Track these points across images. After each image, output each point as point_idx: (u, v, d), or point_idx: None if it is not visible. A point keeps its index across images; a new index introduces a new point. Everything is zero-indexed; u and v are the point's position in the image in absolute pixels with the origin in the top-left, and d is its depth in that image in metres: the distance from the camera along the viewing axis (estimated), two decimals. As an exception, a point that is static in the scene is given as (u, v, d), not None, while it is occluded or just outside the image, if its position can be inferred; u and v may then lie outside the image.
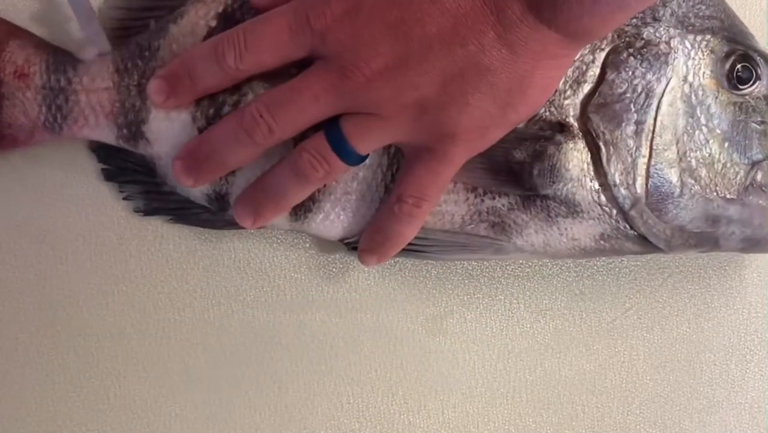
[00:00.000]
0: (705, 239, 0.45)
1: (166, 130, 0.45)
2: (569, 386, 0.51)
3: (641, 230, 0.45)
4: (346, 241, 0.47)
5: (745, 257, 0.51)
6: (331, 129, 0.42)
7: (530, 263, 0.50)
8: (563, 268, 0.50)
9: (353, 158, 0.42)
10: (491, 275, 0.50)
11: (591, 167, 0.44)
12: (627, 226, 0.45)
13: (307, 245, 0.49)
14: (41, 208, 0.48)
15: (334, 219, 0.46)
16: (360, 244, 0.46)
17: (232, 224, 0.46)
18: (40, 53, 0.45)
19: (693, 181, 0.44)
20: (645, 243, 0.46)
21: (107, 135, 0.46)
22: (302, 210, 0.45)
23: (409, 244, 0.45)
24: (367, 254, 0.45)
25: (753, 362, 0.51)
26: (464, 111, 0.41)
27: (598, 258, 0.50)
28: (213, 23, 0.45)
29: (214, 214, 0.47)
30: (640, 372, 0.51)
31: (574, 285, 0.50)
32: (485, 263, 0.50)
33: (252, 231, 0.49)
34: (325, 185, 0.45)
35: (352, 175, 0.45)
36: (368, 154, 0.43)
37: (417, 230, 0.44)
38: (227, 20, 0.45)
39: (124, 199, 0.48)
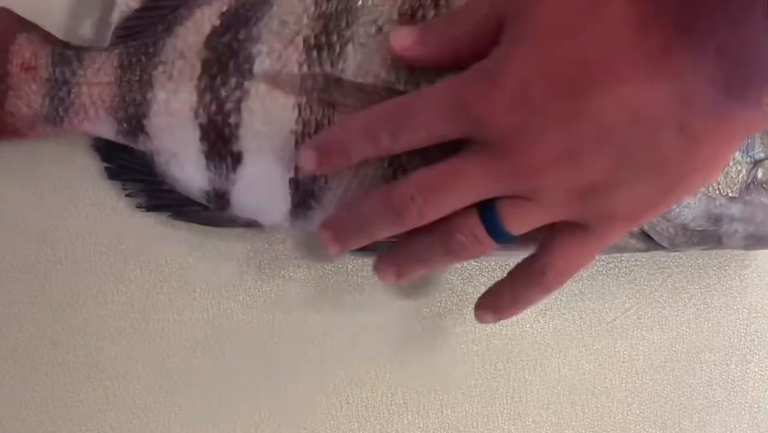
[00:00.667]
0: (708, 236, 0.45)
1: (167, 124, 0.45)
2: (569, 386, 0.51)
3: (644, 228, 0.45)
4: None
5: (745, 257, 0.51)
6: (486, 212, 0.40)
7: (530, 263, 0.50)
8: (563, 268, 0.50)
9: (507, 240, 0.41)
10: (491, 275, 0.50)
11: None
12: None
13: (307, 245, 0.49)
14: (41, 208, 0.48)
15: None
16: (481, 300, 0.45)
17: (232, 222, 0.46)
18: (46, 46, 0.45)
19: None
20: (649, 240, 0.45)
21: (107, 129, 0.46)
22: (303, 208, 0.45)
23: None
24: (489, 313, 0.45)
25: (753, 362, 0.51)
26: (630, 197, 0.39)
27: (600, 255, 0.50)
28: (217, 22, 0.45)
29: (213, 212, 0.47)
30: (640, 372, 0.51)
31: (574, 285, 0.50)
32: (485, 262, 0.50)
33: (252, 231, 0.49)
34: (326, 181, 0.44)
35: (353, 173, 0.45)
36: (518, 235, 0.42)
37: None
38: (231, 18, 0.45)
39: (126, 196, 0.48)
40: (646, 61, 0.36)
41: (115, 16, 0.46)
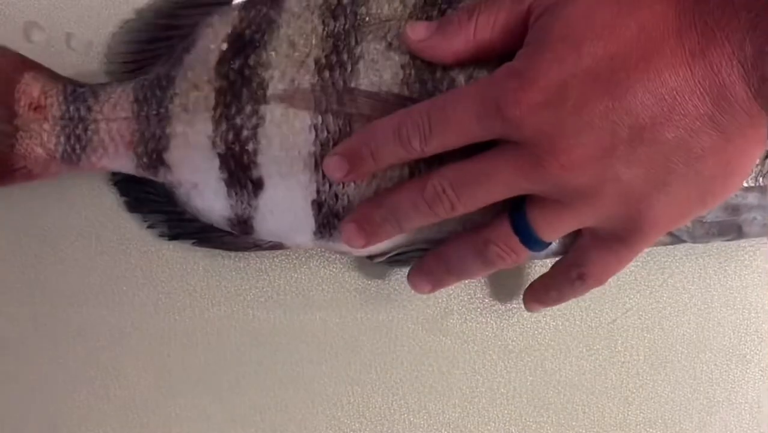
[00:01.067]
0: (727, 227, 0.45)
1: (186, 156, 0.45)
2: (569, 386, 0.51)
3: None
4: (372, 256, 0.46)
5: (744, 257, 0.51)
6: (518, 220, 0.41)
7: (530, 263, 0.50)
8: (563, 268, 0.50)
9: (540, 246, 0.42)
10: (491, 275, 0.50)
11: None
12: None
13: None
14: (41, 209, 0.48)
15: None
16: (529, 292, 0.47)
17: (257, 246, 0.46)
18: (56, 84, 0.45)
19: None
20: (672, 234, 0.45)
21: (127, 165, 0.46)
22: (327, 227, 0.45)
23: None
24: (537, 305, 0.47)
25: (753, 362, 0.51)
26: (665, 201, 0.39)
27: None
28: (224, 46, 0.45)
29: (236, 237, 0.47)
30: (640, 372, 0.51)
31: (574, 285, 0.50)
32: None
33: (252, 231, 0.49)
34: (349, 200, 0.44)
35: (374, 188, 0.44)
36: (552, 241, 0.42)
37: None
38: (237, 41, 0.45)
39: (147, 227, 0.48)
40: (684, 58, 0.36)
41: None
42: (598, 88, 0.37)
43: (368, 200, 0.44)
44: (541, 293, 0.46)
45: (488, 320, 0.50)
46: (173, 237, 0.47)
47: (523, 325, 0.50)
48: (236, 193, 0.45)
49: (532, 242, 0.41)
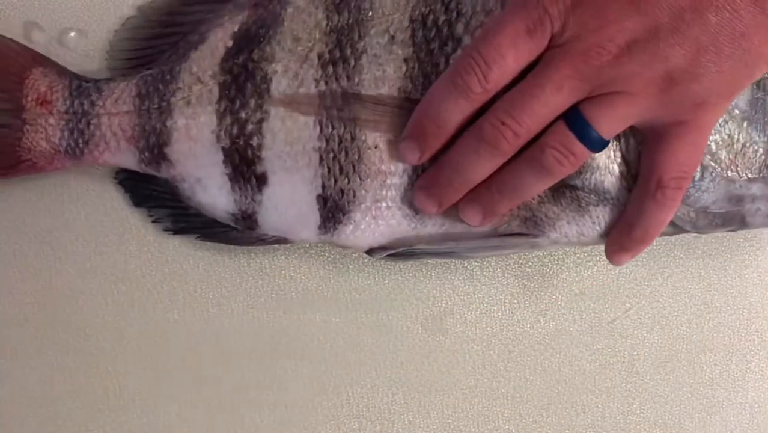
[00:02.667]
0: (731, 217, 0.45)
1: (189, 150, 0.45)
2: (569, 386, 0.51)
3: None
4: (373, 250, 0.46)
5: (745, 257, 0.51)
6: (572, 118, 0.40)
7: (530, 263, 0.50)
8: (563, 268, 0.50)
9: (598, 144, 0.41)
10: (491, 275, 0.50)
11: (616, 154, 0.44)
12: None
13: (307, 245, 0.49)
14: (41, 208, 0.48)
15: (364, 229, 0.45)
16: (610, 245, 0.45)
17: (261, 241, 0.46)
18: (62, 79, 0.46)
19: (713, 164, 0.44)
20: (675, 225, 0.45)
21: (129, 159, 0.46)
22: (332, 222, 0.45)
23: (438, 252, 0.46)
24: (624, 253, 0.44)
25: (753, 362, 0.51)
26: (716, 78, 0.39)
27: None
28: (229, 43, 0.45)
29: (241, 232, 0.47)
30: (640, 372, 0.51)
31: (574, 285, 0.50)
32: (485, 262, 0.50)
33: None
34: (354, 195, 0.45)
35: (380, 183, 0.44)
36: (609, 140, 0.42)
37: (674, 212, 0.43)
38: (242, 37, 0.45)
39: (153, 222, 0.48)
40: None
41: None
42: None
43: (432, 167, 0.43)
44: (625, 239, 0.44)
45: (488, 320, 0.50)
46: (178, 231, 0.48)
47: (523, 325, 0.50)
48: (240, 188, 0.45)
49: (590, 138, 0.40)
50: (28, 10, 0.48)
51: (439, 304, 0.50)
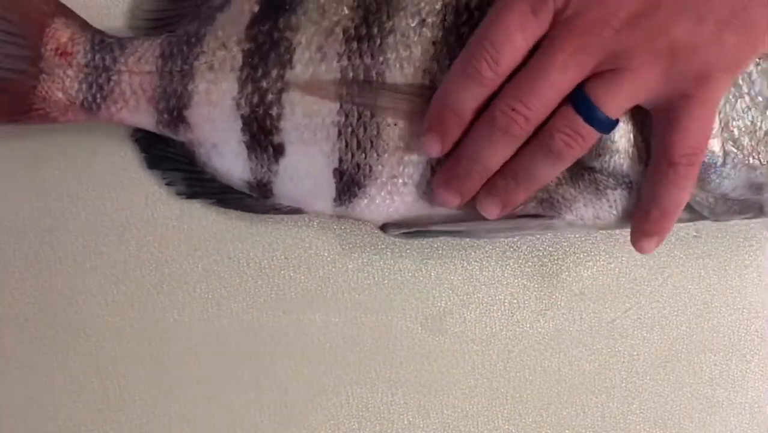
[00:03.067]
0: (749, 205, 0.45)
1: (208, 115, 0.45)
2: (569, 386, 0.51)
3: None
4: (387, 225, 0.46)
5: (745, 257, 0.51)
6: (578, 99, 0.40)
7: (530, 263, 0.50)
8: (563, 268, 0.50)
9: (606, 125, 0.41)
10: (491, 275, 0.50)
11: (637, 138, 0.43)
12: None
13: (307, 245, 0.49)
14: (41, 208, 0.48)
15: (379, 203, 0.45)
16: (633, 233, 0.44)
17: (275, 210, 0.46)
18: (84, 33, 0.45)
19: (736, 151, 0.44)
20: (692, 210, 0.45)
21: (146, 119, 0.46)
22: (347, 195, 0.45)
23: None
24: (647, 239, 0.44)
25: (753, 361, 0.51)
26: (718, 50, 0.40)
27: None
28: (256, 8, 0.45)
29: (256, 200, 0.47)
30: (640, 372, 0.51)
31: (574, 285, 0.50)
32: (485, 262, 0.50)
33: (252, 231, 0.49)
34: (371, 169, 0.45)
35: (397, 159, 0.44)
36: (618, 119, 0.42)
37: (690, 191, 0.43)
38: (269, 4, 0.45)
39: (166, 185, 0.48)
40: None
41: None
42: None
43: (448, 160, 0.43)
44: (644, 223, 0.44)
45: (488, 320, 0.50)
46: (191, 196, 0.48)
47: (523, 325, 0.50)
48: (256, 157, 0.45)
49: (597, 119, 0.40)
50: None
51: (439, 304, 0.50)
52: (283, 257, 0.49)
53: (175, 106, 0.45)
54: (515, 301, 0.50)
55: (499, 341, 0.50)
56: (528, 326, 0.50)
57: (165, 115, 0.45)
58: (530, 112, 0.40)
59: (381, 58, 0.44)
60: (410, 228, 0.46)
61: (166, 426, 0.49)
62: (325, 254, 0.49)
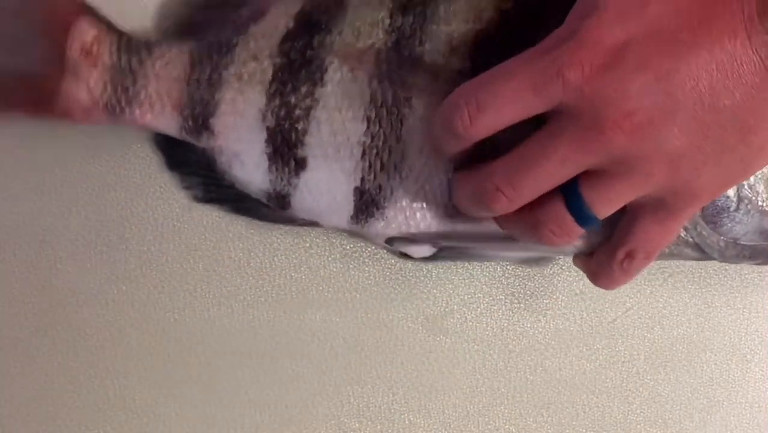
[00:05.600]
0: (759, 251, 0.45)
1: (233, 124, 0.45)
2: (569, 386, 0.51)
3: (696, 240, 0.45)
4: (392, 239, 0.46)
5: (745, 257, 0.51)
6: (572, 198, 0.39)
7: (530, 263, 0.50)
8: (563, 268, 0.50)
9: (593, 224, 0.40)
10: (491, 275, 0.50)
11: None
12: (685, 233, 0.44)
13: (307, 245, 0.49)
14: (41, 208, 0.48)
15: (395, 227, 0.46)
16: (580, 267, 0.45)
17: (291, 222, 0.46)
18: (111, 34, 0.45)
19: (750, 196, 0.44)
20: (701, 251, 0.45)
21: (170, 125, 0.45)
22: (364, 214, 0.45)
23: (461, 250, 0.46)
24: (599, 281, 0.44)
25: (753, 361, 0.51)
26: (714, 172, 0.38)
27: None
28: (291, 24, 0.45)
29: (272, 210, 0.47)
30: (640, 372, 0.51)
31: (574, 285, 0.50)
32: (485, 262, 0.50)
33: (252, 231, 0.49)
34: (392, 192, 0.44)
35: (420, 186, 0.44)
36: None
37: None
38: (302, 21, 0.45)
39: (184, 189, 0.48)
40: (743, 23, 0.36)
41: None
42: (661, 49, 0.36)
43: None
44: (589, 275, 0.44)
45: (488, 320, 0.50)
46: (207, 201, 0.47)
47: (523, 325, 0.50)
48: (277, 169, 0.45)
49: (587, 220, 0.40)
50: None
51: (439, 304, 0.50)
52: (284, 256, 0.49)
53: (200, 114, 0.45)
54: (515, 301, 0.50)
55: (499, 341, 0.50)
56: (528, 326, 0.50)
57: (190, 122, 0.45)
58: (516, 197, 0.39)
59: (410, 81, 0.43)
60: (417, 244, 0.46)
61: (166, 426, 0.49)
62: (326, 255, 0.49)
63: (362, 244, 0.49)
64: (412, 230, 0.46)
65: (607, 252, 0.43)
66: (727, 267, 0.51)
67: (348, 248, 0.49)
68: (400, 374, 0.50)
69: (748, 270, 0.51)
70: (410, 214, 0.45)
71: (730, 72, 0.36)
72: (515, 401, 0.50)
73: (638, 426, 0.51)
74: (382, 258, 0.49)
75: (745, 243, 0.45)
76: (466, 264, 0.50)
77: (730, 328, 0.51)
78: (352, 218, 0.45)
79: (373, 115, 0.44)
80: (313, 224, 0.47)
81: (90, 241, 0.48)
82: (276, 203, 0.46)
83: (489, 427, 0.50)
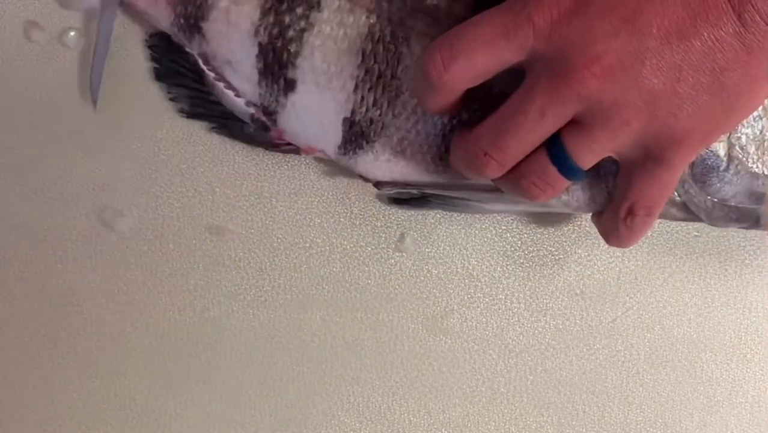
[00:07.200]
0: (746, 215, 0.45)
1: (225, 33, 0.45)
2: (569, 386, 0.51)
3: (683, 198, 0.45)
4: (380, 183, 0.46)
5: (745, 257, 0.51)
6: (554, 149, 0.40)
7: (530, 263, 0.50)
8: (563, 267, 0.50)
9: (577, 176, 0.40)
10: (491, 275, 0.50)
11: None
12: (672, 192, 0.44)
13: (307, 245, 0.49)
14: (41, 208, 0.48)
15: (382, 162, 0.45)
16: (602, 233, 0.45)
17: (274, 146, 0.46)
18: None
19: (741, 157, 0.44)
20: (688, 211, 0.45)
21: (163, 17, 0.45)
22: (353, 146, 0.45)
23: (451, 199, 0.45)
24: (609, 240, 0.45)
25: (753, 361, 0.51)
26: (693, 114, 0.38)
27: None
28: None
29: (256, 131, 0.46)
30: (640, 372, 0.51)
31: (574, 285, 0.50)
32: (485, 262, 0.50)
33: (252, 231, 0.49)
34: (383, 127, 0.44)
35: (412, 123, 0.44)
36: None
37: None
38: None
39: (170, 100, 0.47)
40: None
41: None
42: None
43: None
44: (602, 234, 0.45)
45: (488, 320, 0.50)
46: (193, 116, 0.47)
47: (523, 325, 0.50)
48: (267, 85, 0.45)
49: (570, 170, 0.40)
50: (27, 9, 0.48)
51: (439, 304, 0.50)
52: (284, 256, 0.49)
53: (192, 15, 0.45)
54: (515, 301, 0.50)
55: (499, 341, 0.50)
56: (528, 326, 0.50)
57: (181, 20, 0.45)
58: (504, 158, 0.40)
59: (410, 24, 0.43)
60: (404, 188, 0.45)
61: (166, 426, 0.49)
62: (326, 255, 0.49)
63: (362, 244, 0.49)
64: (402, 168, 0.45)
65: (611, 211, 0.43)
66: (727, 267, 0.51)
67: (348, 248, 0.49)
68: (400, 374, 0.50)
69: (748, 269, 0.51)
70: (400, 150, 0.45)
71: (698, 13, 0.37)
72: (515, 401, 0.50)
73: (638, 426, 0.51)
74: (383, 258, 0.49)
75: (733, 205, 0.45)
76: (466, 264, 0.50)
77: (730, 328, 0.51)
78: (339, 147, 0.45)
79: (368, 49, 0.43)
80: (295, 151, 0.46)
81: (90, 241, 0.48)
82: (261, 125, 0.46)
83: (489, 427, 0.50)
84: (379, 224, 0.49)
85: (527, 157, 0.40)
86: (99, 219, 0.48)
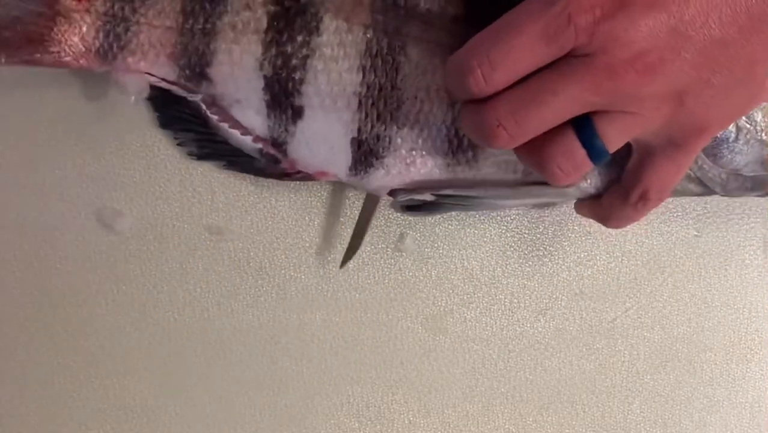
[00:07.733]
0: (761, 182, 0.45)
1: (230, 73, 0.45)
2: (569, 386, 0.51)
3: (697, 174, 0.45)
4: (396, 191, 0.46)
5: (745, 257, 0.51)
6: (584, 131, 0.39)
7: (530, 263, 0.50)
8: (563, 267, 0.50)
9: (604, 158, 0.40)
10: (491, 275, 0.50)
11: None
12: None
13: (307, 245, 0.49)
14: (41, 208, 0.48)
15: (395, 175, 0.46)
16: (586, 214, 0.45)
17: (286, 175, 0.46)
18: None
19: (749, 126, 0.44)
20: (703, 186, 0.45)
21: (167, 73, 0.45)
22: (363, 165, 0.45)
23: (465, 198, 0.45)
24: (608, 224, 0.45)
25: (753, 361, 0.51)
26: (722, 106, 0.39)
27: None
28: None
29: (267, 164, 0.47)
30: (640, 372, 0.51)
31: (574, 285, 0.50)
32: (485, 262, 0.50)
33: (252, 231, 0.49)
34: (390, 142, 0.45)
35: (417, 132, 0.45)
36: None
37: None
38: None
39: (177, 145, 0.48)
40: None
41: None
42: None
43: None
44: (599, 219, 0.45)
45: (488, 320, 0.50)
46: (202, 157, 0.47)
47: (523, 325, 0.50)
48: (275, 116, 0.45)
49: (599, 154, 0.39)
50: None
51: (439, 304, 0.50)
52: (284, 256, 0.49)
53: (196, 64, 0.45)
54: (515, 301, 0.50)
55: (499, 341, 0.50)
56: (528, 326, 0.50)
57: (187, 71, 0.45)
58: (519, 134, 0.39)
59: (405, 30, 0.44)
60: (420, 193, 0.45)
61: (166, 426, 0.49)
62: (327, 254, 0.49)
63: (363, 244, 0.49)
64: (414, 177, 0.45)
65: (620, 195, 0.43)
66: (727, 267, 0.51)
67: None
68: (399, 373, 0.50)
69: (748, 269, 0.51)
70: (410, 161, 0.45)
71: (735, 7, 0.37)
72: (515, 401, 0.50)
73: (638, 426, 0.51)
74: (383, 258, 0.49)
75: (746, 174, 0.45)
76: (466, 264, 0.50)
77: (730, 328, 0.51)
78: (350, 169, 0.45)
79: (368, 65, 0.44)
80: (308, 178, 0.46)
81: (90, 241, 0.48)
82: (271, 158, 0.46)
83: (489, 427, 0.50)
84: (379, 224, 0.49)
85: (554, 138, 0.39)
86: (99, 219, 0.48)
